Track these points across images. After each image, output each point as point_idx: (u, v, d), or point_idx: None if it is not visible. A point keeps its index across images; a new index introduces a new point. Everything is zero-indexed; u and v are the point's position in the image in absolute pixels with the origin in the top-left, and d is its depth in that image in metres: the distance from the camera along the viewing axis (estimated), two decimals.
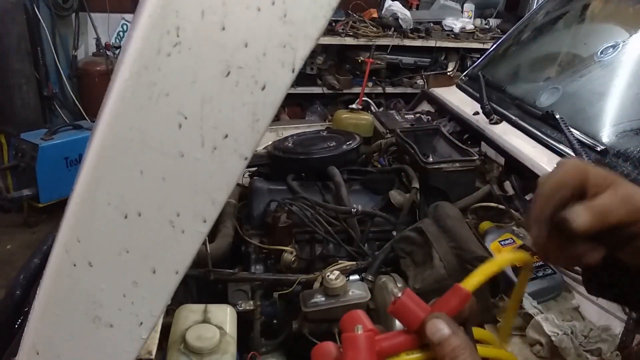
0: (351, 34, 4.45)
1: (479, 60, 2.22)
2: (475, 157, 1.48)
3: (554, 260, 0.52)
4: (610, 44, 1.59)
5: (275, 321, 1.19)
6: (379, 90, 4.74)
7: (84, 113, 3.96)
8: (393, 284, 1.13)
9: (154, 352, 0.88)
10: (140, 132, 0.50)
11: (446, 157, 1.55)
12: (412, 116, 2.00)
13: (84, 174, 0.53)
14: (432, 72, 4.84)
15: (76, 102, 4.01)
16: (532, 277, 1.11)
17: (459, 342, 0.42)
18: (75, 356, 0.61)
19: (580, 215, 0.47)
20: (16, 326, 1.17)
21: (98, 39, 4.07)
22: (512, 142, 1.53)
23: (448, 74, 4.84)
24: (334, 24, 4.44)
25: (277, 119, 3.10)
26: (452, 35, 4.83)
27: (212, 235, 1.32)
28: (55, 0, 3.76)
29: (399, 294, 0.46)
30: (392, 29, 4.53)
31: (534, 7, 2.72)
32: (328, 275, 1.10)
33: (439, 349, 0.42)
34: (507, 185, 1.45)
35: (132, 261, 0.55)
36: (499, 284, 1.09)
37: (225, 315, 1.02)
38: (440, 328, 0.42)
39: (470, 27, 4.94)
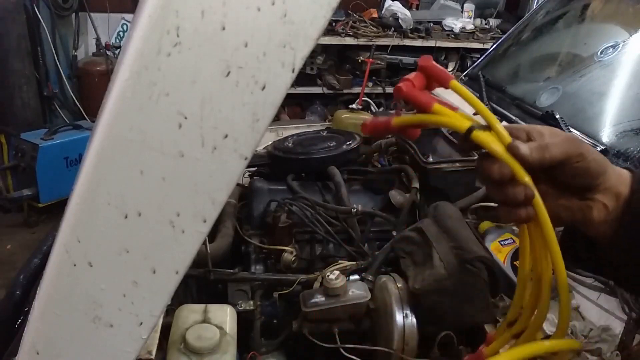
0: (351, 34, 4.44)
1: (479, 60, 2.22)
2: (475, 157, 1.48)
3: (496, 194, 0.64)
4: (610, 44, 1.59)
5: (275, 321, 1.19)
6: (379, 90, 4.74)
7: (84, 113, 3.95)
8: (393, 284, 1.13)
9: (154, 352, 0.89)
10: (140, 132, 0.50)
11: (446, 157, 1.55)
12: None
13: (84, 174, 0.53)
14: None
15: (76, 102, 4.00)
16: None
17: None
18: (75, 356, 0.61)
19: (524, 147, 0.58)
20: (16, 326, 1.17)
21: (98, 39, 4.06)
22: None
23: None
24: (334, 24, 4.44)
25: (277, 119, 3.10)
26: (452, 35, 4.83)
27: (212, 235, 1.32)
28: (55, 0, 3.76)
29: None
30: (392, 29, 4.53)
31: (534, 7, 2.72)
32: (328, 275, 1.10)
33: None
34: None
35: (132, 261, 0.55)
36: (499, 284, 1.09)
37: (225, 315, 1.02)
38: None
39: (470, 27, 4.94)
